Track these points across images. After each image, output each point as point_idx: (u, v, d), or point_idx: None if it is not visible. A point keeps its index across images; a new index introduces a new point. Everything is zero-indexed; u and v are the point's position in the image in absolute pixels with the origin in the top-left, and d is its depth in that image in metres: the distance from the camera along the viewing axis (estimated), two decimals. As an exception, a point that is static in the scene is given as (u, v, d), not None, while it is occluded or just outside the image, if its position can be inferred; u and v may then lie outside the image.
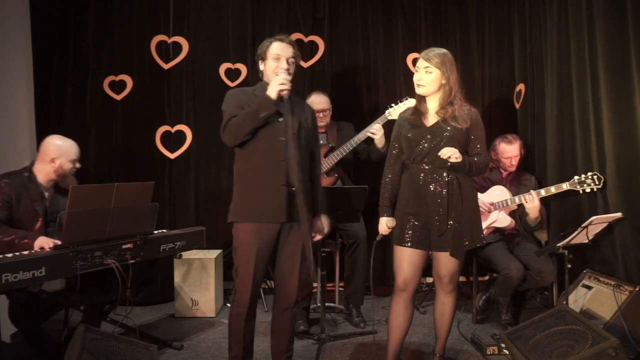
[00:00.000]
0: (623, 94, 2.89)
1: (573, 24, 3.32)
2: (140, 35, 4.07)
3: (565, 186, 3.21)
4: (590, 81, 3.15)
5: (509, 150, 3.47)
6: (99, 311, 2.85)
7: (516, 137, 3.54)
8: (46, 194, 2.82)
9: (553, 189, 3.26)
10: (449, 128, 2.39)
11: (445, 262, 2.47)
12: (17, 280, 2.11)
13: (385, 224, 2.49)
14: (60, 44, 3.94)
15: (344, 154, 3.53)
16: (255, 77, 4.03)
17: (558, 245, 2.91)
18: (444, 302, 2.57)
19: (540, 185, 3.54)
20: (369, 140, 3.58)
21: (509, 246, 3.41)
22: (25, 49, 3.71)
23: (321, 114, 3.50)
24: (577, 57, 3.29)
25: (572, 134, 3.37)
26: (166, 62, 4.11)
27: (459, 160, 2.30)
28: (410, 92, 3.98)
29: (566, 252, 2.90)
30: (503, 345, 2.78)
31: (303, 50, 4.08)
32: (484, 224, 3.00)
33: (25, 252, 2.42)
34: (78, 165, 2.90)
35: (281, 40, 2.41)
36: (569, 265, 2.88)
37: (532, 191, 3.29)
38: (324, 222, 2.59)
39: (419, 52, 4.21)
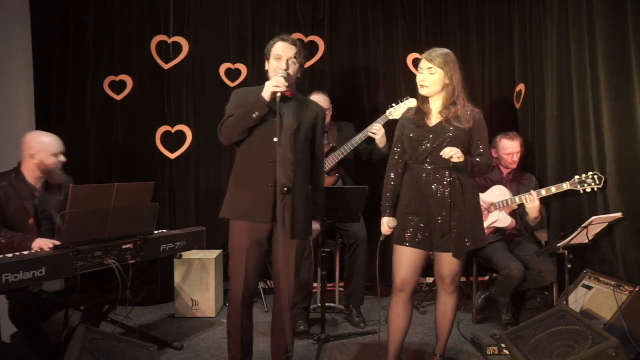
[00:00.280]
0: (623, 94, 2.89)
1: (573, 24, 3.33)
2: (140, 35, 4.07)
3: (565, 186, 3.21)
4: (590, 81, 3.15)
5: (510, 146, 3.47)
6: (99, 311, 2.85)
7: (517, 134, 3.55)
8: (35, 193, 2.80)
9: (553, 189, 3.26)
10: (451, 128, 2.39)
11: (448, 263, 2.47)
12: (17, 280, 2.11)
13: (386, 224, 2.49)
14: (60, 44, 3.94)
15: (345, 154, 3.53)
16: (255, 77, 4.10)
17: (558, 245, 2.91)
18: (446, 302, 2.57)
19: (541, 185, 3.54)
20: (370, 140, 3.58)
21: (509, 246, 3.41)
22: (25, 49, 3.71)
23: (321, 114, 3.50)
24: (577, 57, 3.29)
25: (572, 134, 3.37)
26: (166, 62, 4.11)
27: (461, 160, 2.30)
28: (410, 92, 4.00)
29: (566, 252, 2.90)
30: (503, 345, 2.78)
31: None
32: (485, 224, 3.00)
33: (25, 252, 2.42)
34: (62, 158, 2.83)
35: (284, 40, 2.40)
36: (569, 265, 2.88)
37: (532, 191, 3.29)
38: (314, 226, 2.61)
39: (419, 52, 4.31)
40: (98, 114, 4.02)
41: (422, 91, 2.43)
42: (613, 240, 3.04)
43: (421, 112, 2.48)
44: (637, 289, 2.73)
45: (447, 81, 2.40)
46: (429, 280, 4.13)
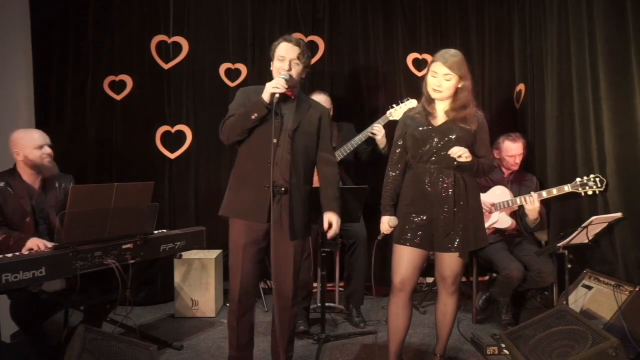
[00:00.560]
0: (623, 94, 2.90)
1: (573, 24, 3.33)
2: (140, 35, 4.07)
3: (567, 188, 3.19)
4: (590, 81, 3.15)
5: (513, 148, 3.47)
6: (99, 311, 2.85)
7: (520, 136, 3.54)
8: (33, 192, 2.80)
9: (554, 191, 3.25)
10: (457, 129, 2.39)
11: (450, 263, 2.47)
12: (17, 280, 2.11)
13: (387, 223, 2.47)
14: (60, 44, 3.94)
15: (345, 154, 3.53)
16: (255, 77, 4.09)
17: (558, 245, 2.91)
18: (447, 302, 2.57)
19: (542, 186, 3.54)
20: (369, 142, 3.58)
21: (509, 246, 3.41)
22: (25, 49, 3.71)
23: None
24: (577, 57, 3.29)
25: (572, 134, 3.37)
26: (166, 62, 4.11)
27: (469, 159, 2.30)
28: (410, 92, 4.02)
29: (566, 252, 2.90)
30: (503, 345, 2.78)
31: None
32: (485, 225, 3.00)
33: (25, 252, 2.42)
34: (48, 150, 2.81)
35: (288, 40, 2.38)
36: (569, 265, 2.88)
37: (532, 193, 3.28)
38: (331, 219, 2.44)
39: (419, 52, 4.32)
40: (98, 114, 4.02)
41: (436, 95, 2.40)
42: (613, 240, 3.04)
43: (426, 111, 2.47)
44: (637, 289, 2.73)
45: (459, 85, 2.38)
46: (429, 280, 4.13)
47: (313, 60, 4.20)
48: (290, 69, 2.35)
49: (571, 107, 3.36)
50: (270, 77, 2.47)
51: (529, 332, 2.53)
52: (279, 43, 2.40)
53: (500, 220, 3.41)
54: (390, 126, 3.33)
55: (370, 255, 2.49)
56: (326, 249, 3.10)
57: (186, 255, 3.38)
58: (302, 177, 2.41)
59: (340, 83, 4.30)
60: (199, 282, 3.61)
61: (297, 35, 4.09)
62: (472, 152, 2.39)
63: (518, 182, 3.52)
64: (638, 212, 2.85)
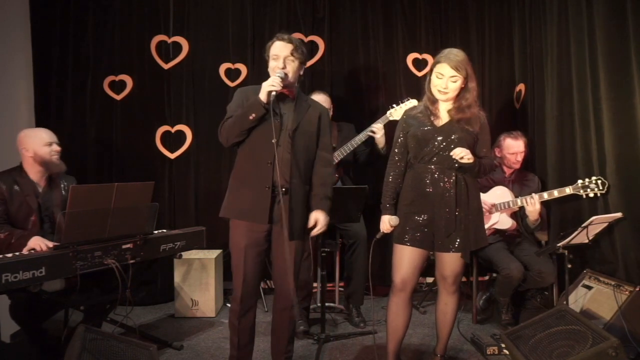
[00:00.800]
0: (623, 94, 2.90)
1: (573, 24, 3.33)
2: (140, 35, 4.07)
3: (568, 190, 3.19)
4: (590, 81, 3.15)
5: (515, 146, 3.46)
6: (99, 311, 2.85)
7: (521, 134, 3.53)
8: (39, 189, 2.83)
9: (556, 193, 3.24)
10: (459, 130, 2.39)
11: (450, 263, 2.47)
12: (17, 280, 2.11)
13: (387, 222, 2.47)
14: (60, 44, 3.94)
15: (344, 154, 3.53)
16: (255, 77, 4.09)
17: (558, 245, 2.91)
18: (447, 302, 2.57)
19: (543, 185, 3.54)
20: (368, 142, 3.58)
21: (509, 246, 3.41)
22: (25, 49, 3.72)
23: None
24: (577, 57, 3.29)
25: (572, 134, 3.37)
26: (166, 62, 4.11)
27: (471, 160, 2.30)
28: (410, 92, 4.02)
29: (566, 252, 2.90)
30: (503, 345, 2.78)
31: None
32: (485, 225, 3.00)
33: (25, 252, 2.42)
34: (56, 147, 2.87)
35: (281, 39, 2.37)
36: (569, 265, 2.88)
37: (534, 194, 3.27)
38: (318, 218, 2.43)
39: (419, 52, 4.32)
40: (98, 114, 4.02)
41: (441, 97, 2.40)
42: (613, 240, 3.04)
43: (428, 111, 2.46)
44: (637, 289, 2.73)
45: (464, 86, 2.38)
46: (429, 280, 4.13)
47: (313, 60, 4.20)
48: (284, 67, 2.33)
49: (571, 107, 3.36)
50: (268, 78, 2.47)
51: (529, 332, 2.53)
52: (272, 42, 2.39)
53: (500, 221, 3.40)
54: (390, 126, 3.33)
55: (372, 255, 2.48)
56: (326, 249, 3.10)
57: (186, 255, 3.38)
58: (302, 177, 2.41)
59: (340, 83, 4.30)
60: (199, 282, 3.61)
61: (297, 35, 4.10)
62: (473, 152, 2.39)
63: (519, 182, 3.52)
64: (638, 212, 2.85)
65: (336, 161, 3.53)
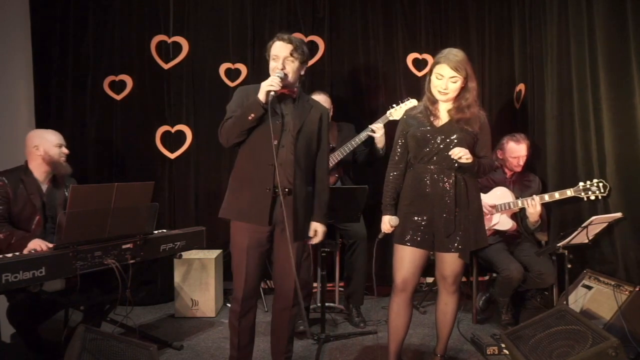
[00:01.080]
0: (623, 94, 2.89)
1: (573, 24, 3.33)
2: (140, 35, 4.07)
3: (569, 192, 3.18)
4: (590, 81, 3.15)
5: (517, 150, 3.45)
6: (99, 311, 2.85)
7: (524, 137, 3.51)
8: (43, 188, 2.85)
9: (557, 195, 3.23)
10: (459, 130, 2.38)
11: (450, 263, 2.47)
12: (17, 280, 2.11)
13: (388, 223, 2.48)
14: (60, 44, 3.94)
15: (344, 154, 3.53)
16: (255, 77, 4.09)
17: (558, 245, 2.91)
18: (447, 302, 2.57)
19: (544, 186, 3.53)
20: (367, 142, 3.58)
21: (509, 247, 3.41)
22: (25, 49, 3.72)
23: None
24: (577, 57, 3.29)
25: (572, 134, 3.37)
26: (166, 62, 4.11)
27: (470, 160, 2.30)
28: (410, 92, 4.02)
29: (566, 252, 2.90)
30: (503, 345, 2.78)
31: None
32: (485, 226, 3.01)
33: (26, 252, 2.42)
34: (65, 150, 2.93)
35: (281, 39, 2.36)
36: (569, 265, 2.88)
37: (535, 196, 3.26)
38: (317, 229, 2.50)
39: (419, 52, 4.32)
40: (98, 114, 4.02)
41: (441, 98, 2.40)
42: (613, 240, 3.04)
43: (428, 111, 2.46)
44: (637, 289, 2.73)
45: (464, 86, 2.38)
46: (429, 280, 4.13)
47: (313, 60, 4.20)
48: (284, 67, 2.32)
49: (571, 107, 3.36)
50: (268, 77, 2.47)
51: (529, 332, 2.53)
52: (273, 42, 2.38)
53: (501, 222, 3.40)
54: (390, 126, 3.33)
55: (370, 255, 2.49)
56: (326, 249, 3.10)
57: (186, 255, 3.38)
58: (304, 177, 2.41)
59: (340, 83, 4.30)
60: (199, 282, 3.61)
61: (297, 35, 4.10)
62: (473, 152, 2.39)
63: (520, 183, 3.51)
64: (638, 212, 2.85)
65: (336, 161, 3.53)
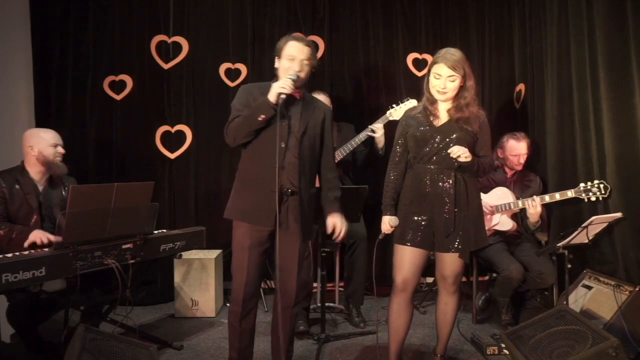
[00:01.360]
0: (623, 94, 2.89)
1: (573, 24, 3.33)
2: (140, 35, 4.07)
3: (570, 193, 3.17)
4: (590, 81, 3.15)
5: (518, 148, 3.44)
6: (99, 311, 2.85)
7: (524, 135, 3.51)
8: (39, 188, 2.85)
9: (557, 196, 3.22)
10: (459, 129, 2.38)
11: (450, 263, 2.47)
12: (17, 280, 2.11)
13: (388, 223, 2.47)
14: (60, 44, 3.94)
15: (344, 154, 3.53)
16: (256, 77, 4.09)
17: (558, 245, 2.91)
18: (447, 302, 2.57)
19: (545, 186, 3.53)
20: (367, 143, 3.58)
21: (509, 247, 3.41)
22: (25, 49, 3.72)
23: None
24: (577, 57, 3.29)
25: (572, 134, 3.37)
26: (166, 62, 4.11)
27: (469, 159, 2.30)
28: (410, 91, 4.02)
29: (566, 252, 2.90)
30: (503, 345, 2.78)
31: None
32: (485, 226, 3.01)
33: (25, 252, 2.42)
34: (61, 150, 2.91)
35: (298, 40, 2.34)
36: (569, 265, 2.88)
37: (535, 197, 3.26)
38: (335, 222, 2.50)
39: (419, 52, 4.32)
40: (98, 114, 4.02)
41: (440, 97, 2.39)
42: (613, 240, 3.04)
43: (427, 111, 2.46)
44: (637, 289, 2.73)
45: (463, 84, 2.38)
46: (429, 280, 4.13)
47: (313, 60, 4.20)
48: (300, 70, 2.31)
49: (571, 107, 3.36)
50: (270, 76, 2.46)
51: (529, 332, 2.53)
52: (288, 41, 2.35)
53: (501, 222, 3.40)
54: (390, 126, 3.33)
55: (371, 255, 2.49)
56: (326, 249, 3.10)
57: (186, 255, 3.38)
58: (308, 179, 2.41)
59: (340, 83, 4.30)
60: (199, 282, 3.61)
61: (297, 35, 4.10)
62: (472, 152, 2.38)
63: (521, 183, 3.51)
64: (638, 212, 2.85)
65: (336, 161, 3.52)
